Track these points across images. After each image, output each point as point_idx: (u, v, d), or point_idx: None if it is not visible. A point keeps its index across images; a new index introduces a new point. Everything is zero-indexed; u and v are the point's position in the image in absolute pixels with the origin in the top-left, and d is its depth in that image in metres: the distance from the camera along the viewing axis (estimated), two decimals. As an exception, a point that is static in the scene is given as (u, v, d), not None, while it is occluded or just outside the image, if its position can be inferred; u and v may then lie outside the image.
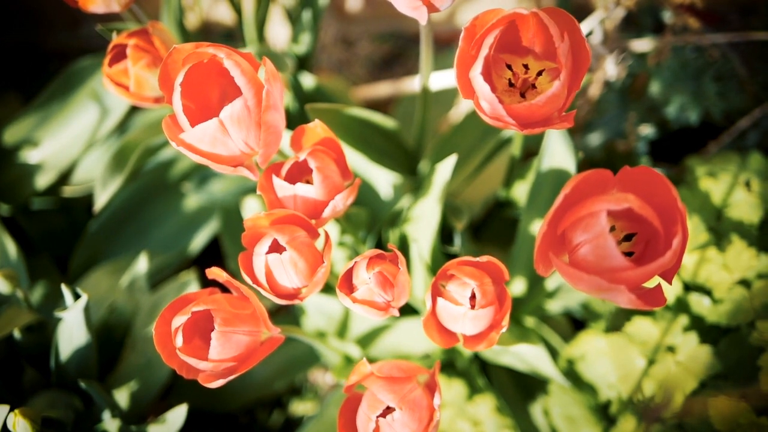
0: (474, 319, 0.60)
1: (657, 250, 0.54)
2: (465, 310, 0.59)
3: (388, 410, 0.60)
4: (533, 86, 0.61)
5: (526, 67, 0.61)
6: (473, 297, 0.60)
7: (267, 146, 0.59)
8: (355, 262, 0.60)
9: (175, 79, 0.58)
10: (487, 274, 0.61)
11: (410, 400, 0.60)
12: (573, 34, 0.56)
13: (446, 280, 0.62)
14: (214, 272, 0.60)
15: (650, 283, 0.54)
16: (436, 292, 0.62)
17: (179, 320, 0.58)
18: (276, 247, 0.60)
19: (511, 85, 0.61)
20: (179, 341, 0.58)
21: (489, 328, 0.62)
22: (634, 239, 0.57)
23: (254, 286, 0.60)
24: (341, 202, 0.63)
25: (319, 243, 0.63)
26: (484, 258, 0.60)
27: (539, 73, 0.61)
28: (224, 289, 0.63)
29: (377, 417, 0.59)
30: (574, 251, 0.53)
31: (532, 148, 1.04)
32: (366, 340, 0.87)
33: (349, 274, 0.61)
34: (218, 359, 0.58)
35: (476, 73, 0.56)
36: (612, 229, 0.57)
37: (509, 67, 0.61)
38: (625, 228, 0.57)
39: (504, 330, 0.60)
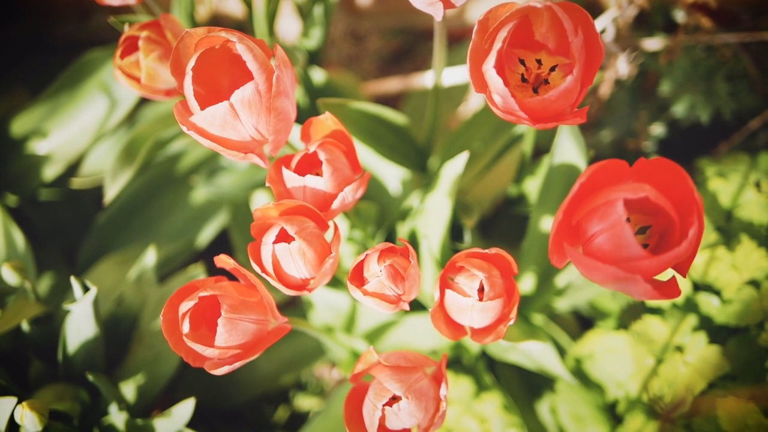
0: (482, 311, 0.59)
1: (672, 242, 0.54)
2: (473, 302, 0.59)
3: (395, 399, 0.59)
4: (546, 82, 0.61)
5: (539, 62, 0.61)
6: (482, 289, 0.60)
7: (277, 133, 0.59)
8: (367, 255, 0.60)
9: (187, 64, 0.57)
10: (496, 267, 0.61)
11: (417, 389, 0.59)
12: (587, 29, 0.56)
13: (455, 272, 0.62)
14: (222, 260, 0.60)
15: (663, 277, 0.54)
16: (445, 284, 0.62)
17: (186, 306, 0.58)
18: (284, 238, 0.59)
19: (524, 80, 0.61)
20: (186, 327, 0.58)
21: (497, 321, 0.61)
22: (648, 232, 0.57)
23: (263, 275, 0.60)
24: (350, 194, 0.62)
25: (328, 235, 0.63)
26: (493, 250, 0.60)
27: (552, 69, 0.60)
28: (233, 279, 0.63)
29: (383, 406, 0.59)
30: (589, 242, 0.52)
31: (542, 146, 1.04)
32: (373, 336, 0.86)
33: (360, 266, 0.61)
34: (224, 346, 0.58)
35: (489, 67, 0.55)
36: (627, 221, 0.57)
37: (522, 62, 0.61)
38: (640, 221, 0.57)
39: (512, 323, 0.60)
